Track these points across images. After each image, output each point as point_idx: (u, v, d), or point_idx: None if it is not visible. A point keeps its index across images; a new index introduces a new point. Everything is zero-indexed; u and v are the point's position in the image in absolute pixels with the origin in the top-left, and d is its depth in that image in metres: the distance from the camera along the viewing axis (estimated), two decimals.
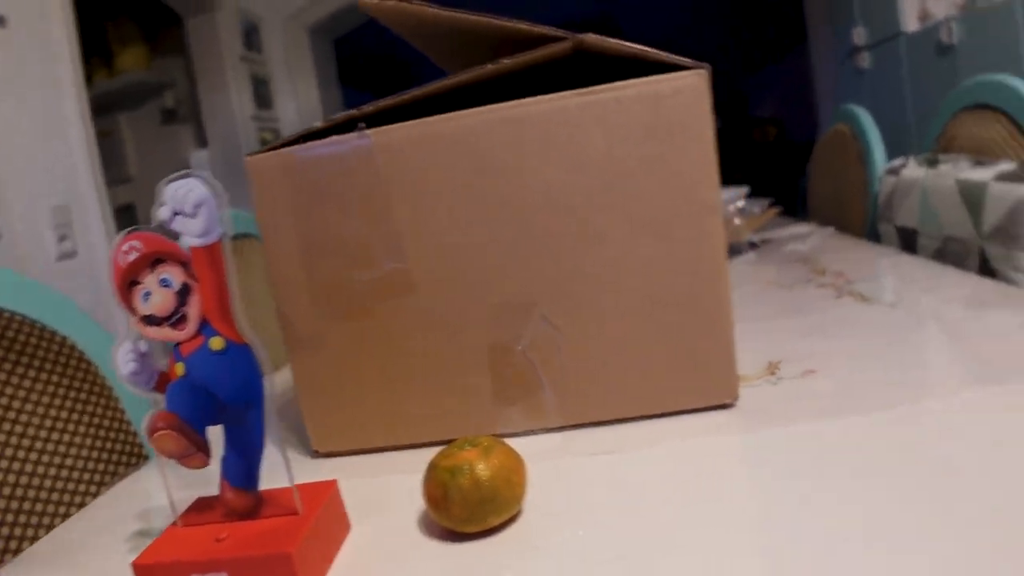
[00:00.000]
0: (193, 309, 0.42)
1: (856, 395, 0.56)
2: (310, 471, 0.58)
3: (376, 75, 5.95)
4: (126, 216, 2.61)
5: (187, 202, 0.40)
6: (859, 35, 2.74)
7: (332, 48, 3.62)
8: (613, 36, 0.51)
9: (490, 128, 0.52)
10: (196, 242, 0.41)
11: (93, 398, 0.79)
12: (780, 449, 0.49)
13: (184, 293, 0.42)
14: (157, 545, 0.43)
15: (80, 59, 1.95)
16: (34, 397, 0.73)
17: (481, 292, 0.56)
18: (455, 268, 0.55)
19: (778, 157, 4.85)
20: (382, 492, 0.52)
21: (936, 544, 0.35)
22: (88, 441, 0.76)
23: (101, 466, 0.76)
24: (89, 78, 2.91)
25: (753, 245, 1.30)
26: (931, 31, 2.27)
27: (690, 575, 0.36)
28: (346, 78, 3.93)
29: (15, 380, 0.72)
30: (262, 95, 3.20)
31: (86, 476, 0.74)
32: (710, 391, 0.56)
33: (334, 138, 0.55)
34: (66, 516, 0.70)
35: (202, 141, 3.17)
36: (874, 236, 1.35)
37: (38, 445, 0.71)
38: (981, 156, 1.10)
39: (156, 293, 0.42)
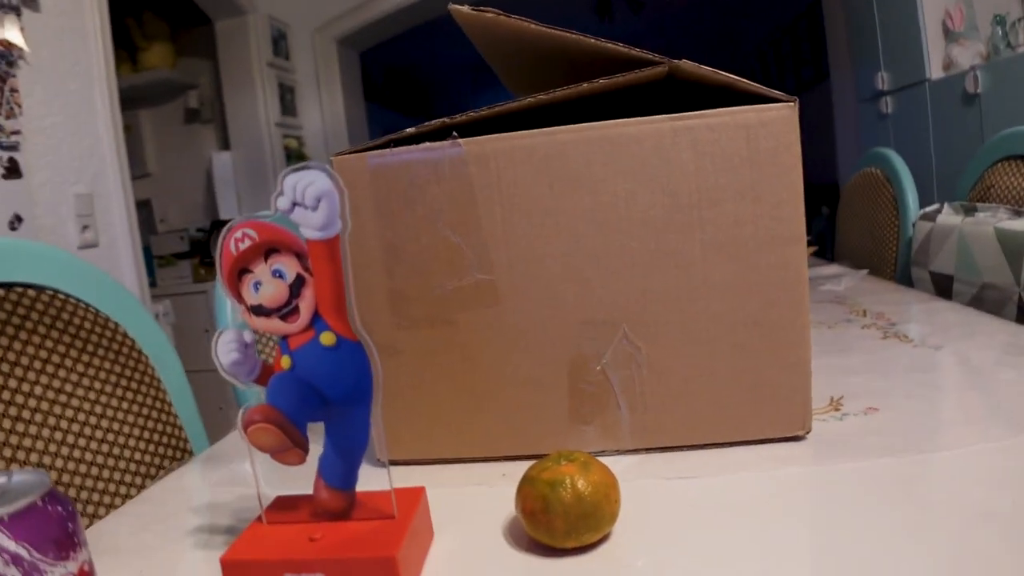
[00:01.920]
0: (306, 302, 0.41)
1: (921, 434, 0.56)
2: (379, 478, 0.58)
3: (397, 94, 5.96)
4: (141, 212, 2.60)
5: (308, 194, 0.38)
6: (883, 79, 2.77)
7: (358, 61, 3.64)
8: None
9: (586, 145, 0.53)
10: (315, 235, 0.39)
11: (144, 388, 0.78)
12: (852, 483, 0.49)
13: (297, 285, 0.41)
14: (244, 542, 0.42)
15: (111, 51, 1.95)
16: (86, 382, 0.72)
17: (564, 308, 0.56)
18: (540, 282, 0.55)
19: None
20: (461, 503, 0.52)
21: None
22: (136, 432, 0.75)
23: (147, 458, 0.76)
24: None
25: None
26: (956, 79, 2.30)
27: None
28: (368, 94, 3.95)
29: (68, 363, 0.72)
30: (287, 102, 3.22)
31: (132, 467, 0.74)
32: (785, 422, 0.56)
33: (427, 145, 0.55)
34: (110, 507, 0.69)
35: (224, 143, 3.18)
36: (906, 280, 1.36)
37: (87, 432, 0.71)
38: (1019, 206, 1.11)
39: (268, 284, 0.41)
